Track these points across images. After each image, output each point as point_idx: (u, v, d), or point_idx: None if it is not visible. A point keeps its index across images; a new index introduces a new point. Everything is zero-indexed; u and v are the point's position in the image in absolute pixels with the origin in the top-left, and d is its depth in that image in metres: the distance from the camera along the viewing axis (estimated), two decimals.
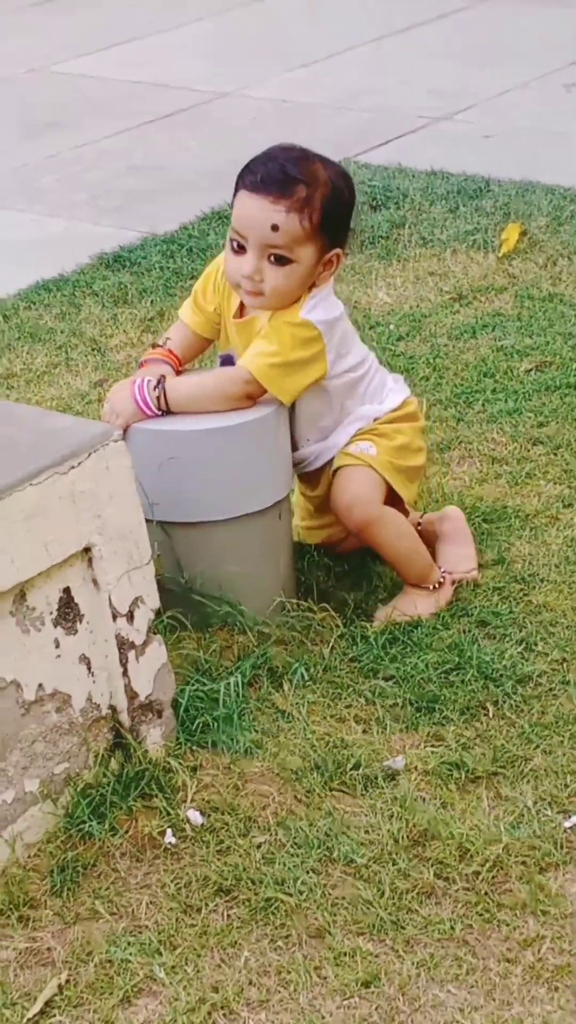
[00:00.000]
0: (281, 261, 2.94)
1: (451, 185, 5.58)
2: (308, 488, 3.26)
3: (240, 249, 2.97)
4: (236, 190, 2.99)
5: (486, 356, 4.28)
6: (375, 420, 3.14)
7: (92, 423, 2.80)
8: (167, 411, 2.97)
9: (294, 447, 3.15)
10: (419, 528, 3.29)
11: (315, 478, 3.21)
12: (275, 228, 2.91)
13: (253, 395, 2.99)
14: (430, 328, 4.47)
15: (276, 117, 6.57)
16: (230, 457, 2.99)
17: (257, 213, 2.92)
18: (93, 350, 4.47)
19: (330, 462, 3.14)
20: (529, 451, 3.78)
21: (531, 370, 4.19)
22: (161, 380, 2.99)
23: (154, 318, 4.64)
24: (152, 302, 4.74)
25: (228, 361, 3.09)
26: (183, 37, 8.01)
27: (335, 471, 3.11)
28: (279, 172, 2.93)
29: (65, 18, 8.53)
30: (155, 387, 2.98)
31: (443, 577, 3.18)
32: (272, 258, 2.94)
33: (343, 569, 3.32)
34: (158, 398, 2.97)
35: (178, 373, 3.13)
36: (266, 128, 6.40)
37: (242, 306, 3.09)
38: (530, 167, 5.72)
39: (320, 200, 2.93)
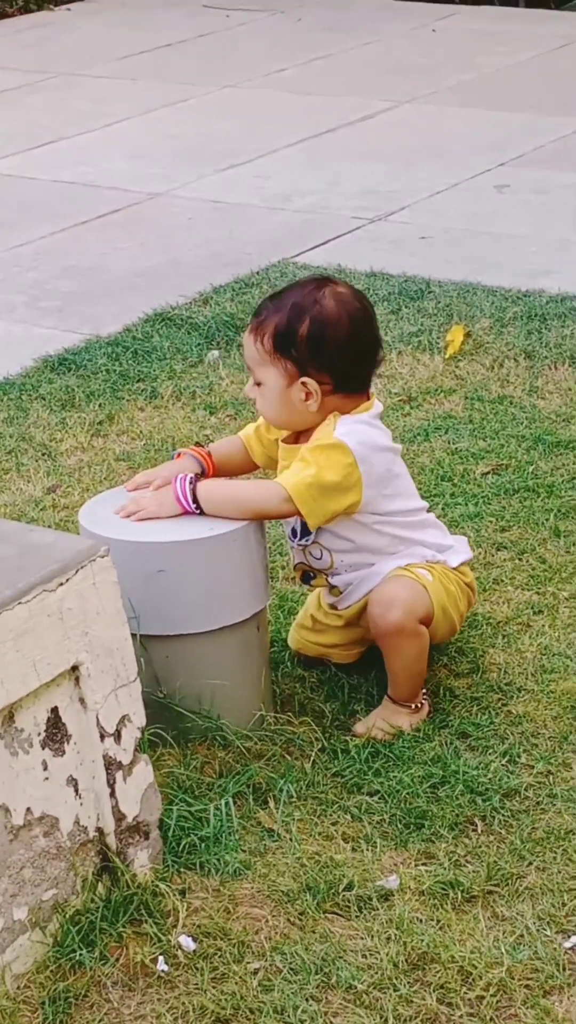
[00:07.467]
0: (259, 384, 3.04)
1: (392, 286, 5.58)
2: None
3: None
4: None
5: (441, 459, 4.27)
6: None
7: (74, 538, 2.74)
8: (200, 509, 2.96)
9: (330, 571, 3.12)
10: None
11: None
12: (245, 352, 3.06)
13: (286, 514, 3.00)
14: None
15: (211, 217, 6.56)
16: (207, 568, 2.94)
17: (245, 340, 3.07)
18: (43, 455, 4.40)
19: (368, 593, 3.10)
20: (494, 556, 3.75)
21: (488, 473, 4.18)
22: (196, 478, 2.98)
23: (103, 422, 4.58)
24: (100, 405, 4.68)
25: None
26: (111, 136, 7.99)
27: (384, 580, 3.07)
28: (263, 300, 3.09)
29: None
30: (190, 483, 2.97)
31: (425, 699, 3.14)
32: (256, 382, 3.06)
33: (317, 680, 3.27)
34: (192, 491, 2.95)
35: (208, 476, 3.10)
36: (202, 229, 6.41)
37: (293, 433, 3.12)
38: (469, 268, 5.75)
39: (274, 325, 2.99)
